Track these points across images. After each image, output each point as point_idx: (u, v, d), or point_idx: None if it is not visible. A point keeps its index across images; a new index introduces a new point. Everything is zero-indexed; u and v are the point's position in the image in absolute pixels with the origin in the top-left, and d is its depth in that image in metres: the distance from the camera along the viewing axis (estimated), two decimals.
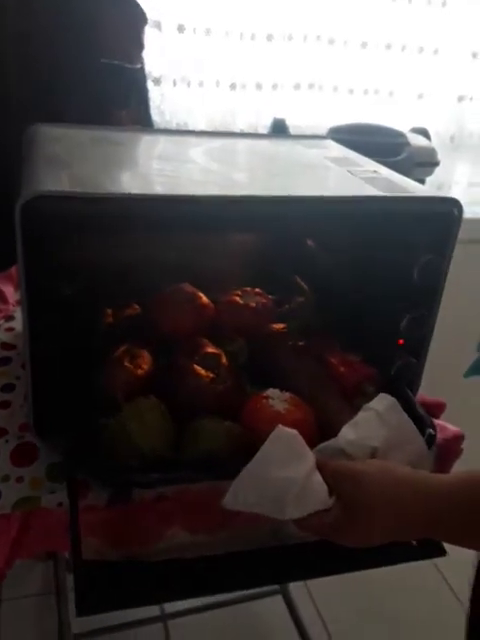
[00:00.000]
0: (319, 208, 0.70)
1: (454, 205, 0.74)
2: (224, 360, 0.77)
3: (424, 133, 1.72)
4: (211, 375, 0.73)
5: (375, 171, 0.86)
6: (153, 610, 1.36)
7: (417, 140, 1.60)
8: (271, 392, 0.72)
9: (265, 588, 1.37)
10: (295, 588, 1.41)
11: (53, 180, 0.66)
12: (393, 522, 0.56)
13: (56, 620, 1.21)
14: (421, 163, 1.51)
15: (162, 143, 0.95)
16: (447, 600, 1.51)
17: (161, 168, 0.81)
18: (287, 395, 0.72)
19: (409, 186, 0.80)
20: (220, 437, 0.66)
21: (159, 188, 0.70)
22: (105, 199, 0.63)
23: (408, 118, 1.94)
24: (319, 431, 0.70)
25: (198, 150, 0.90)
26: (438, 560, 0.68)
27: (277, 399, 0.71)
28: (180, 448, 0.67)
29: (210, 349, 0.79)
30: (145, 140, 0.97)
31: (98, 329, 0.83)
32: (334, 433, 0.65)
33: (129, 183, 0.71)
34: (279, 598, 1.37)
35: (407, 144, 1.51)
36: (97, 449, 0.66)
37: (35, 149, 0.81)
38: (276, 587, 1.37)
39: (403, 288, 0.77)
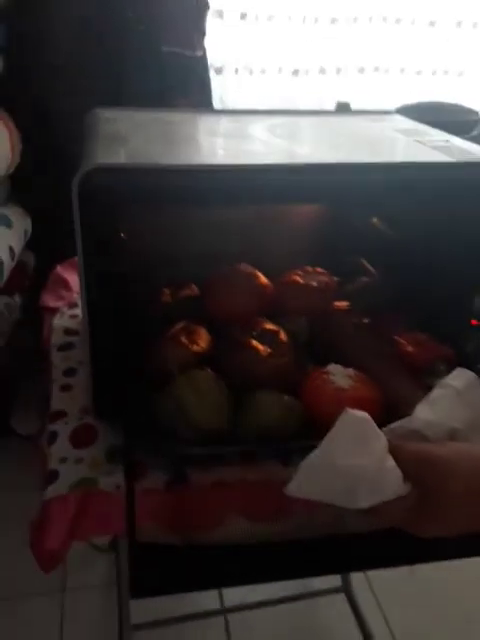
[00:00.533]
0: (386, 176, 0.65)
1: None
2: (283, 337, 0.75)
3: None
4: (269, 350, 0.71)
5: (447, 140, 0.80)
6: (214, 603, 1.35)
7: None
8: (333, 368, 0.69)
9: (327, 586, 1.33)
10: (358, 585, 1.36)
11: (110, 154, 0.65)
12: (477, 512, 0.51)
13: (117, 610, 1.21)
14: None
15: (222, 122, 0.93)
16: None
17: (220, 142, 0.78)
18: (350, 371, 0.68)
19: None
20: (278, 411, 0.63)
21: (218, 160, 0.67)
22: (162, 171, 0.61)
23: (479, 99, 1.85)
24: (386, 411, 0.65)
25: (259, 127, 0.87)
26: None
27: (339, 374, 0.68)
28: (237, 422, 0.65)
29: (268, 326, 0.77)
30: (204, 119, 0.95)
31: (156, 309, 0.81)
32: (402, 414, 0.60)
33: (186, 156, 0.69)
34: (342, 596, 1.33)
35: (479, 121, 1.43)
36: (154, 424, 0.64)
37: (94, 129, 0.80)
38: (338, 584, 1.32)
39: (476, 264, 0.71)
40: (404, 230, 0.88)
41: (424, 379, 0.71)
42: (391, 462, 0.53)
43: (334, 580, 1.33)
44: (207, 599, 1.36)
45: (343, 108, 1.60)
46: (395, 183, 0.66)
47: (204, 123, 0.92)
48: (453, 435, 0.58)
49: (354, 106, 1.65)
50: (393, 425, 0.58)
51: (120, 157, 0.63)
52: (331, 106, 1.74)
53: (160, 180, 0.60)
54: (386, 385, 0.69)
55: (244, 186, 0.62)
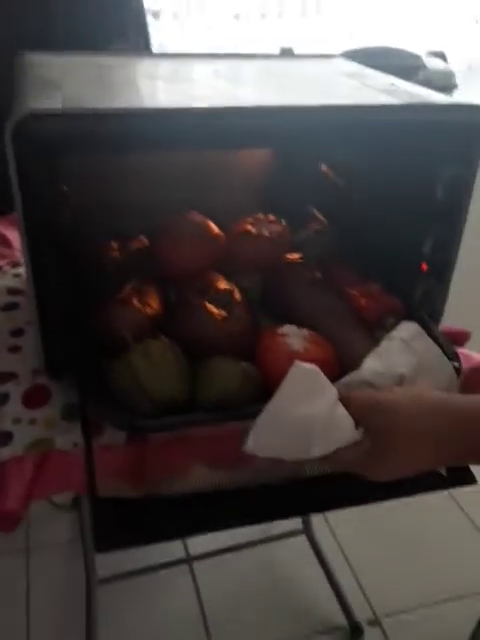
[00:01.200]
0: (333, 118, 0.64)
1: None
2: (237, 297, 0.73)
3: (441, 56, 1.62)
4: (223, 314, 0.69)
5: (392, 83, 0.79)
6: (178, 553, 1.38)
7: (434, 63, 1.51)
8: (288, 329, 0.68)
9: (288, 528, 1.37)
10: (317, 526, 1.41)
11: (44, 100, 0.61)
12: (431, 452, 0.53)
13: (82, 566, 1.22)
14: (438, 86, 1.42)
15: (162, 65, 0.89)
16: (465, 527, 1.52)
17: (162, 86, 0.75)
18: (305, 332, 0.68)
19: (430, 96, 0.74)
20: (234, 378, 0.62)
21: (160, 103, 0.64)
22: (101, 116, 0.58)
23: (425, 43, 1.83)
24: (340, 369, 0.66)
25: (201, 70, 0.84)
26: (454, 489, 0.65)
27: (294, 336, 0.67)
28: (194, 390, 0.64)
29: (222, 285, 0.75)
30: (143, 63, 0.91)
31: (104, 264, 0.79)
32: (356, 369, 0.61)
33: (126, 100, 0.66)
34: (302, 538, 1.37)
35: (423, 66, 1.43)
36: (108, 392, 0.63)
37: (25, 75, 0.76)
38: (299, 527, 1.37)
39: (426, 208, 0.72)
40: (353, 176, 0.87)
41: (375, 333, 0.73)
42: (342, 410, 0.54)
43: (295, 523, 1.38)
44: (172, 549, 1.38)
45: (287, 54, 1.56)
46: (342, 126, 0.65)
47: (143, 67, 0.88)
48: (400, 381, 0.61)
49: (298, 52, 1.61)
50: (344, 378, 0.60)
51: (56, 102, 0.60)
52: (275, 52, 1.70)
53: (100, 126, 0.58)
54: (340, 343, 0.69)
55: (189, 130, 0.60)
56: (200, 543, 1.38)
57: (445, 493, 1.54)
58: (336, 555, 1.41)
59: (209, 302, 0.70)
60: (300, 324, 0.71)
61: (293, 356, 0.62)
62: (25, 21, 1.30)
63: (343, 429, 0.54)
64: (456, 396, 0.55)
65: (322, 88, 0.80)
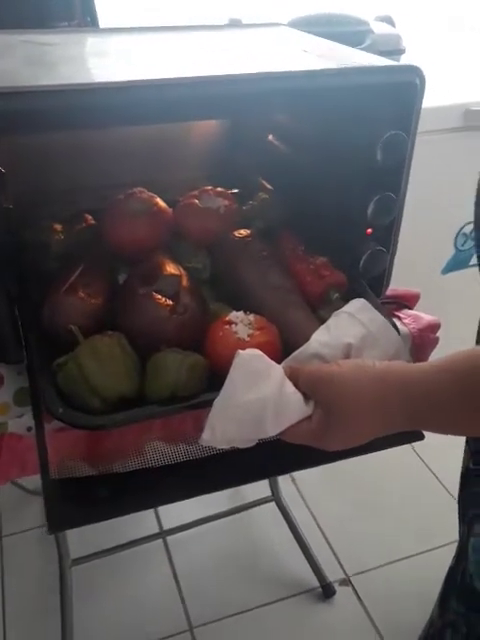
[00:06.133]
0: (271, 85, 0.64)
1: (415, 74, 0.68)
2: (185, 282, 0.71)
3: (389, 21, 1.61)
4: (170, 303, 0.68)
5: (330, 48, 0.79)
6: (151, 528, 1.39)
7: (381, 28, 1.51)
8: (234, 316, 0.68)
9: (258, 496, 1.40)
10: (287, 493, 1.44)
11: None
12: (378, 420, 0.54)
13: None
14: (386, 51, 1.42)
15: (104, 40, 0.87)
16: (427, 481, 1.56)
17: (102, 61, 0.73)
18: (251, 317, 0.68)
19: (367, 59, 0.74)
20: (182, 371, 0.62)
21: (100, 77, 0.63)
22: (28, 93, 0.56)
23: (372, 8, 1.82)
24: (285, 350, 0.66)
25: (145, 43, 0.83)
26: (416, 444, 0.67)
27: (240, 323, 0.67)
28: (143, 385, 0.63)
29: (169, 269, 0.73)
30: (85, 39, 0.89)
31: (48, 247, 0.77)
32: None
33: (57, 76, 0.64)
34: (272, 505, 1.40)
35: (370, 32, 1.42)
36: (56, 387, 0.62)
37: None
38: (268, 495, 1.40)
39: (367, 171, 0.73)
40: (297, 145, 0.87)
41: (319, 311, 0.73)
42: (290, 387, 0.56)
43: (264, 490, 1.41)
44: (145, 524, 1.40)
45: (234, 23, 1.53)
46: (282, 93, 0.65)
47: (84, 43, 0.86)
48: (348, 351, 0.62)
49: (246, 22, 1.59)
50: (294, 353, 0.61)
51: None
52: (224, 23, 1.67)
53: (32, 103, 0.56)
54: (285, 324, 0.69)
55: (129, 105, 0.59)
56: (173, 517, 1.40)
57: (409, 449, 1.59)
58: (306, 518, 1.45)
59: (156, 291, 0.69)
60: (246, 303, 0.71)
61: (239, 345, 0.63)
62: None
63: (293, 406, 0.55)
64: (398, 364, 0.56)
65: (264, 57, 0.79)
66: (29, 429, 0.67)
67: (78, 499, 0.58)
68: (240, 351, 0.56)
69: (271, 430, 0.55)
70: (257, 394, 0.55)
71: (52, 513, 0.53)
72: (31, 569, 1.33)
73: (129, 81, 0.60)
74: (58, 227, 0.78)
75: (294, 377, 0.57)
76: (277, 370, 0.57)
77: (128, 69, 0.69)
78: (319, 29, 1.24)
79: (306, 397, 0.56)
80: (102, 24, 1.57)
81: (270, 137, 0.95)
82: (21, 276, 0.72)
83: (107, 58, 0.77)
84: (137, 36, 0.90)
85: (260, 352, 0.57)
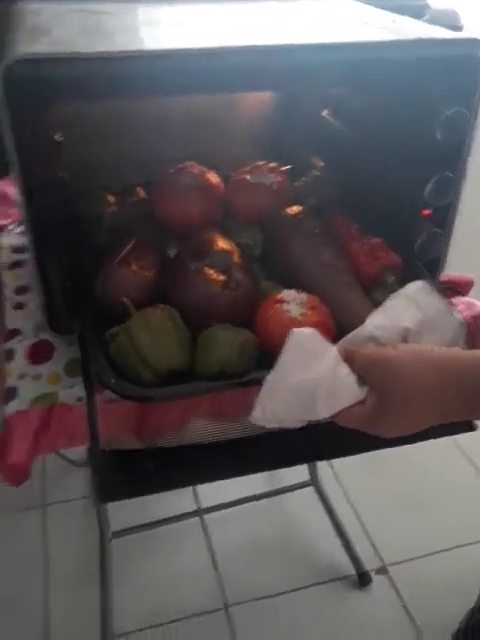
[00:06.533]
0: (330, 56, 0.62)
1: (479, 47, 0.65)
2: (236, 258, 0.71)
3: None
4: (222, 278, 0.67)
5: (394, 21, 0.76)
6: (189, 505, 1.40)
7: (439, 3, 1.46)
8: (286, 295, 0.67)
9: (297, 480, 1.39)
10: (326, 478, 1.43)
11: (35, 45, 0.59)
12: (432, 407, 0.52)
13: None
14: (444, 26, 1.36)
15: (162, 10, 0.86)
16: (469, 475, 1.53)
17: (161, 30, 0.72)
18: (303, 296, 0.67)
19: (429, 31, 0.71)
20: (233, 348, 0.61)
21: (159, 45, 0.62)
22: (90, 59, 0.56)
23: None
24: (338, 331, 0.65)
25: (202, 13, 0.81)
26: (459, 438, 0.65)
27: (293, 302, 0.66)
28: (194, 359, 0.63)
29: (221, 244, 0.73)
30: (141, 8, 0.87)
31: (101, 219, 0.77)
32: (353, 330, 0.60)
33: (119, 43, 0.63)
34: (310, 490, 1.39)
35: (427, 6, 1.37)
36: (108, 356, 0.62)
37: (16, 23, 0.73)
38: (307, 479, 1.39)
39: (426, 150, 0.70)
40: (353, 121, 0.85)
41: (373, 292, 0.71)
42: (345, 369, 0.54)
43: (303, 475, 1.40)
44: (183, 502, 1.41)
45: None
46: (341, 64, 0.63)
47: (140, 12, 0.85)
48: (405, 336, 0.60)
49: None
50: (348, 335, 0.59)
51: (46, 47, 0.58)
52: None
53: (91, 68, 0.56)
54: (337, 304, 0.68)
55: (188, 71, 0.58)
56: (211, 496, 1.41)
57: (449, 440, 1.56)
58: (344, 505, 1.43)
59: (208, 266, 0.68)
60: (298, 281, 0.70)
61: (291, 323, 0.62)
62: None
63: (347, 388, 0.54)
64: (458, 351, 0.54)
65: (322, 27, 0.76)
66: (79, 400, 0.67)
67: (126, 471, 0.58)
68: (295, 329, 0.55)
69: (323, 412, 0.54)
70: (310, 374, 0.53)
71: (101, 484, 0.53)
72: (73, 539, 1.35)
73: (184, 48, 0.59)
74: (111, 199, 0.78)
75: (349, 359, 0.55)
76: (332, 351, 0.55)
77: (183, 37, 0.68)
78: (377, 3, 1.21)
79: (360, 380, 0.55)
80: None
81: (324, 113, 0.93)
82: (73, 247, 0.72)
83: (162, 27, 0.76)
84: (192, 6, 0.88)
85: (315, 331, 0.55)
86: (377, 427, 0.53)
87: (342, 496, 1.46)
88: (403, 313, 0.62)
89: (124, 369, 0.61)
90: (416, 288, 0.64)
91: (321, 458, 1.13)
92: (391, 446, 0.66)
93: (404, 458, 1.51)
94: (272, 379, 0.54)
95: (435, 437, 0.67)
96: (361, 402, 0.54)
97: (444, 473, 1.52)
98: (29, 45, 0.59)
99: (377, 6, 0.96)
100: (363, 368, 0.54)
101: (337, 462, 1.52)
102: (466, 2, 1.82)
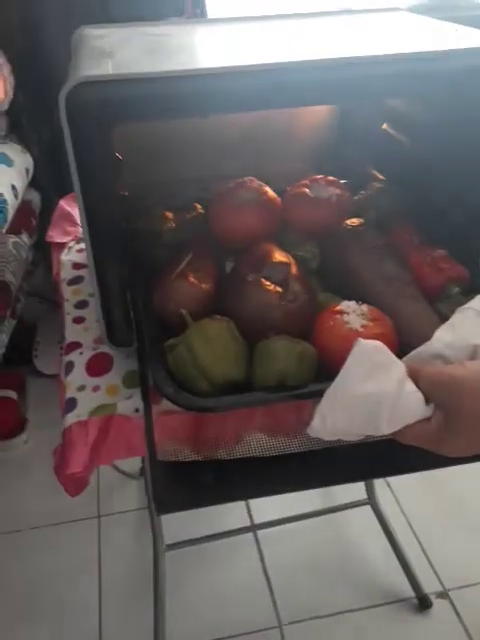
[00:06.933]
0: (395, 68, 0.61)
1: None
2: (293, 270, 0.70)
3: None
4: (279, 290, 0.67)
5: (456, 30, 0.74)
6: (243, 520, 1.39)
7: None
8: (346, 306, 0.65)
9: (353, 498, 1.36)
10: (383, 497, 1.39)
11: (97, 67, 0.61)
12: None
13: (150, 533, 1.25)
14: None
15: (218, 29, 0.87)
16: None
17: (218, 48, 0.73)
18: (364, 308, 0.65)
19: None
20: (291, 359, 0.61)
21: (217, 63, 0.63)
22: (153, 79, 0.57)
23: None
24: (401, 344, 0.63)
25: (259, 31, 0.82)
26: None
27: (353, 313, 0.65)
28: (251, 371, 0.63)
29: (278, 257, 0.72)
30: (198, 29, 0.89)
31: (160, 235, 0.79)
32: (417, 345, 0.58)
33: (178, 63, 0.64)
34: (367, 508, 1.36)
35: None
36: (166, 367, 0.63)
37: (80, 47, 0.76)
38: (364, 498, 1.36)
39: None
40: (416, 133, 0.83)
41: (437, 304, 0.69)
42: (411, 386, 0.52)
43: (359, 493, 1.36)
44: (237, 517, 1.40)
45: (349, 10, 1.50)
46: (405, 75, 0.62)
47: (198, 32, 0.87)
48: (474, 354, 0.57)
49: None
50: (413, 352, 0.57)
51: (108, 69, 0.60)
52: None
53: (153, 89, 0.57)
54: (400, 316, 0.66)
55: (248, 89, 0.58)
56: (264, 512, 1.39)
57: None
58: (402, 525, 1.39)
59: (265, 278, 0.68)
60: (358, 294, 0.68)
61: (351, 335, 0.61)
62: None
63: (412, 405, 0.52)
64: None
65: (385, 40, 0.76)
66: (137, 411, 0.68)
67: (184, 483, 0.59)
68: (361, 339, 0.53)
69: (385, 428, 0.52)
70: (375, 387, 0.51)
71: (159, 495, 0.53)
72: (126, 550, 1.37)
73: (244, 65, 0.59)
74: (170, 215, 0.79)
75: (414, 377, 0.53)
76: (399, 365, 0.53)
77: (242, 55, 0.68)
78: (440, 15, 1.19)
79: (426, 398, 0.53)
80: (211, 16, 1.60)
81: (384, 126, 0.92)
82: (132, 262, 0.73)
83: (220, 46, 0.77)
84: (249, 24, 0.89)
85: (381, 343, 0.53)
86: (442, 447, 0.51)
87: (400, 515, 1.42)
88: (472, 329, 0.59)
89: (182, 380, 0.61)
90: None
91: (380, 475, 1.10)
92: (453, 465, 0.64)
93: (464, 476, 1.46)
94: (334, 390, 0.53)
95: None
96: (426, 420, 0.52)
97: None
98: (91, 68, 0.61)
99: (438, 17, 0.95)
100: (429, 386, 0.52)
101: (395, 480, 1.48)
102: None
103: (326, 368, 0.54)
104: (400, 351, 0.59)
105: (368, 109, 0.96)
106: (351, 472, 0.66)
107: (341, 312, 0.64)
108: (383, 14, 0.95)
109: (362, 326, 0.62)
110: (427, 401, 0.52)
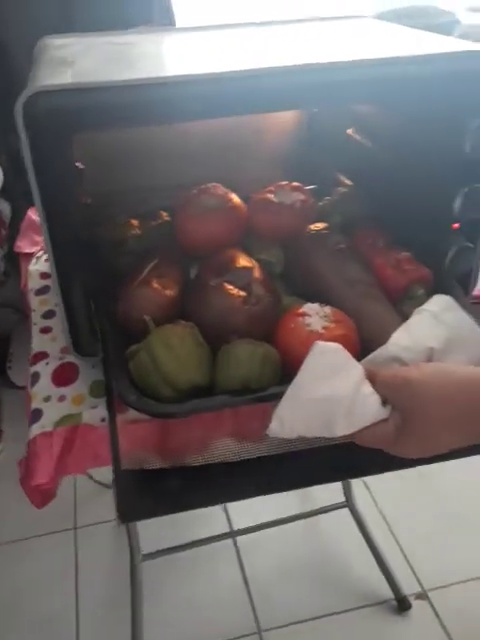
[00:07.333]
0: (355, 74, 0.61)
1: None
2: (257, 274, 0.70)
3: (479, 10, 1.54)
4: (242, 294, 0.67)
5: (417, 37, 0.76)
6: (222, 527, 1.39)
7: (470, 18, 1.44)
8: (308, 308, 0.66)
9: (331, 501, 1.36)
10: (361, 499, 1.40)
11: (55, 76, 0.61)
12: (459, 429, 0.50)
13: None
14: (475, 42, 1.35)
15: (182, 37, 0.88)
16: None
17: (180, 56, 0.74)
18: (327, 310, 0.66)
19: (454, 45, 0.70)
20: (254, 362, 0.61)
21: (178, 71, 0.63)
22: (108, 88, 0.57)
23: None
24: (363, 345, 0.64)
25: (225, 39, 0.82)
26: None
27: (315, 315, 0.65)
28: (214, 375, 0.63)
29: (242, 261, 0.72)
30: (163, 37, 0.90)
31: (124, 243, 0.78)
32: (381, 345, 0.58)
33: (139, 71, 0.64)
34: (345, 511, 1.36)
35: (457, 22, 1.36)
36: (128, 376, 0.62)
37: (41, 57, 0.76)
38: (342, 501, 1.36)
39: (454, 163, 0.69)
40: (379, 137, 0.84)
41: (401, 305, 0.70)
42: (368, 388, 0.53)
43: (337, 496, 1.37)
44: (216, 524, 1.40)
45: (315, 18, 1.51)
46: (366, 81, 0.62)
47: (163, 41, 0.87)
48: (430, 355, 0.57)
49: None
50: (371, 355, 0.58)
51: (65, 78, 0.59)
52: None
53: (110, 97, 0.57)
54: (363, 318, 0.67)
55: (209, 96, 0.58)
56: (243, 518, 1.39)
57: None
58: (381, 527, 1.40)
59: (228, 282, 0.68)
60: (323, 297, 0.69)
61: (312, 337, 0.61)
62: (45, 7, 1.31)
63: (369, 407, 0.52)
64: None
65: (347, 47, 0.76)
66: (103, 420, 0.67)
67: (148, 491, 0.58)
68: (318, 341, 0.53)
69: (341, 430, 0.52)
70: (331, 390, 0.52)
71: (123, 503, 0.53)
72: (104, 561, 1.35)
73: (204, 73, 0.59)
74: (135, 223, 0.79)
75: (371, 379, 0.54)
76: (356, 367, 0.54)
77: (204, 63, 0.69)
78: (403, 22, 1.21)
79: (383, 400, 0.53)
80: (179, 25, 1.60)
81: (349, 131, 0.92)
82: (96, 271, 0.73)
83: (184, 54, 0.77)
84: (216, 32, 0.90)
85: (340, 346, 0.54)
86: (399, 448, 0.52)
87: (379, 517, 1.42)
88: (428, 331, 0.60)
89: (145, 387, 0.61)
90: (442, 304, 0.63)
91: (349, 477, 1.10)
92: (424, 464, 0.64)
93: (443, 477, 1.47)
94: (291, 392, 0.53)
95: (468, 455, 0.65)
96: (383, 422, 0.52)
97: None
98: (49, 77, 0.60)
99: (405, 24, 0.96)
100: (385, 388, 0.53)
101: (373, 482, 1.49)
102: None
103: (289, 370, 0.54)
104: (363, 352, 0.60)
105: (334, 114, 0.97)
106: (318, 475, 0.66)
107: (303, 314, 0.64)
108: (349, 21, 0.96)
109: (323, 328, 0.63)
110: (384, 403, 0.52)
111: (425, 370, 0.52)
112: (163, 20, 1.55)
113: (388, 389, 0.52)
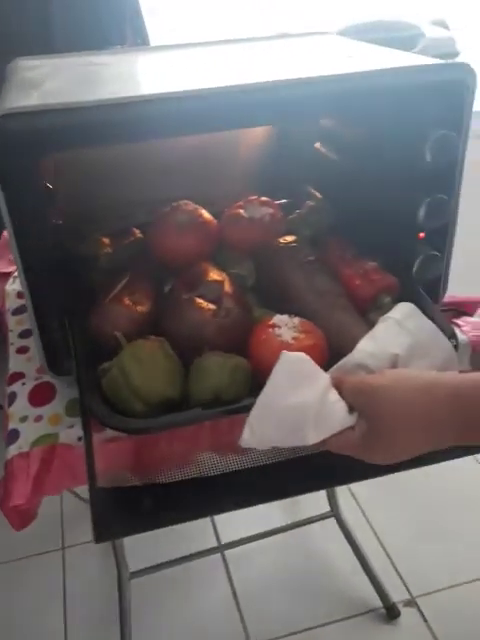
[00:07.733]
0: (315, 90, 0.63)
1: (466, 71, 0.66)
2: (227, 287, 0.72)
3: (442, 24, 1.58)
4: (212, 307, 0.68)
5: (377, 52, 0.78)
6: (210, 542, 1.38)
7: (434, 31, 1.48)
8: (278, 319, 0.67)
9: (317, 512, 1.36)
10: (348, 508, 1.40)
11: (22, 99, 0.62)
12: (423, 434, 0.51)
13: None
14: (439, 54, 1.39)
15: (152, 57, 0.89)
16: None
17: (150, 76, 0.75)
18: (296, 321, 0.67)
19: (413, 59, 0.72)
20: (225, 374, 0.62)
21: (144, 91, 0.64)
22: (76, 109, 0.58)
23: (427, 12, 1.79)
24: (332, 355, 0.65)
25: (192, 58, 0.84)
26: None
27: (285, 327, 0.66)
28: (186, 388, 0.64)
29: (213, 275, 0.74)
30: (134, 57, 0.91)
31: (97, 260, 0.79)
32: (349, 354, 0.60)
33: (104, 93, 0.65)
34: (332, 521, 1.37)
35: (421, 35, 1.40)
36: (101, 393, 0.63)
37: (11, 79, 0.77)
38: (328, 511, 1.36)
39: (417, 173, 0.71)
40: (345, 150, 0.86)
41: (369, 314, 0.71)
42: (334, 395, 0.54)
43: (323, 506, 1.37)
44: (204, 539, 1.39)
45: (281, 35, 1.54)
46: (328, 97, 0.64)
47: (135, 61, 0.88)
48: (395, 362, 0.59)
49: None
50: (339, 363, 0.59)
51: (31, 100, 0.60)
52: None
53: (76, 118, 0.58)
54: (332, 327, 0.68)
55: (177, 114, 0.60)
56: (232, 532, 1.39)
57: (474, 462, 1.52)
58: (368, 535, 1.40)
59: (199, 296, 0.69)
60: (293, 309, 0.70)
61: (282, 347, 0.61)
62: (22, 24, 1.32)
63: (336, 415, 0.53)
64: (448, 374, 0.53)
65: (308, 64, 0.78)
66: (80, 439, 0.67)
67: (125, 509, 0.58)
68: (285, 352, 0.55)
69: (310, 438, 0.53)
70: (299, 399, 0.53)
71: (99, 522, 0.53)
72: (92, 580, 1.34)
73: (170, 92, 0.61)
74: (106, 241, 0.80)
75: (338, 387, 0.55)
76: (323, 376, 0.55)
77: (175, 81, 0.70)
78: (370, 35, 1.24)
79: (350, 407, 0.54)
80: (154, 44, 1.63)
81: (317, 145, 0.94)
82: (70, 289, 0.73)
83: (155, 73, 0.79)
84: (187, 51, 0.92)
85: (306, 355, 0.55)
86: (366, 454, 0.53)
87: (366, 526, 1.43)
88: (393, 338, 0.61)
89: (117, 402, 0.61)
90: (406, 311, 0.64)
91: (328, 486, 1.11)
92: (398, 471, 0.65)
93: (427, 484, 1.48)
94: (261, 401, 0.54)
95: (442, 460, 0.66)
96: (350, 428, 0.53)
97: (471, 497, 1.48)
98: (16, 100, 0.61)
99: (371, 38, 0.98)
100: (351, 396, 0.54)
101: (357, 490, 1.49)
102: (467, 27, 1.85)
103: (263, 381, 0.55)
104: (333, 361, 0.61)
105: (302, 129, 0.99)
106: (296, 485, 0.67)
107: (274, 325, 0.66)
108: (313, 38, 0.98)
109: (293, 338, 0.64)
110: (351, 410, 0.53)
111: (388, 376, 0.53)
112: (136, 40, 1.57)
113: (354, 396, 0.53)
